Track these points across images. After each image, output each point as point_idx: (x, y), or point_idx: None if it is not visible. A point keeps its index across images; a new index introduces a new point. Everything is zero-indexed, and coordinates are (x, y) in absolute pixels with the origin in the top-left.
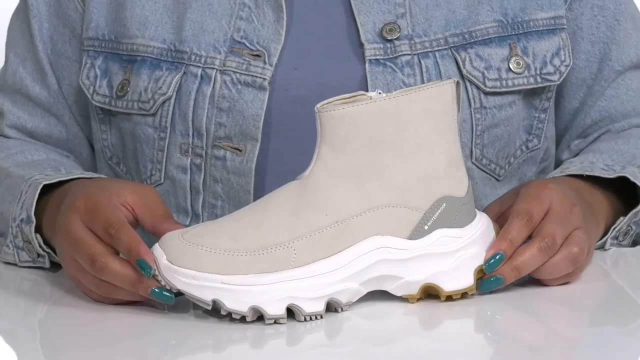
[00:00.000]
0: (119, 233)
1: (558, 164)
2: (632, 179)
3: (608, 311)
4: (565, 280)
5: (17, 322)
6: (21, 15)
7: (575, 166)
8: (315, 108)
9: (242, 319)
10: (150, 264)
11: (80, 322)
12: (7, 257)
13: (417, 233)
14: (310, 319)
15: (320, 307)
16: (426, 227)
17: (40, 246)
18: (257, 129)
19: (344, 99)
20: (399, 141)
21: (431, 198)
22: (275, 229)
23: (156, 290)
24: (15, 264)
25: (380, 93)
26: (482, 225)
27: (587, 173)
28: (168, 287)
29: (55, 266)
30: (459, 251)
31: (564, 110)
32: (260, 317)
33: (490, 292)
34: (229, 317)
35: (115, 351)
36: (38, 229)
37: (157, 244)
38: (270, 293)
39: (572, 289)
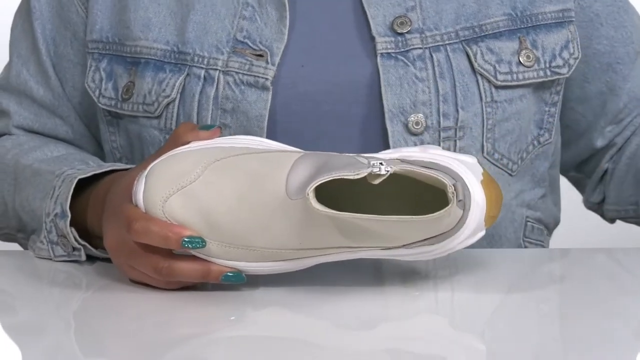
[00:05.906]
0: (142, 225)
1: (592, 150)
2: None
3: None
4: None
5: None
6: (24, 17)
7: None
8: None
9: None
10: (195, 234)
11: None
12: (41, 253)
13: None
14: None
15: None
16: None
17: (76, 239)
18: (262, 129)
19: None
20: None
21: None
22: (252, 229)
23: (228, 274)
24: (50, 259)
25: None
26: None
27: None
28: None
29: (90, 259)
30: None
31: (590, 95)
32: None
33: None
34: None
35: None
36: (73, 223)
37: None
38: None
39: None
